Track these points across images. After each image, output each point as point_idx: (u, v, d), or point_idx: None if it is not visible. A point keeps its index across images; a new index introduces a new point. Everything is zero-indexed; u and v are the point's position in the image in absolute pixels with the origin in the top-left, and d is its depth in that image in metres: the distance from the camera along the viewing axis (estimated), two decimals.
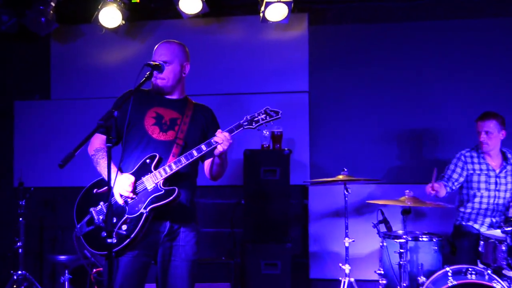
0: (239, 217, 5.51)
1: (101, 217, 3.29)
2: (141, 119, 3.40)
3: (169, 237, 3.38)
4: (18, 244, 5.41)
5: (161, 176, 3.27)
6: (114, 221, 3.24)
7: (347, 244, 4.76)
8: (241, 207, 5.31)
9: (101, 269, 4.99)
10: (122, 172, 3.36)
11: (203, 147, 3.28)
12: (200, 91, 5.84)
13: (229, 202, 5.90)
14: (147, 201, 3.24)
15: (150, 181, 3.27)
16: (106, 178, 3.26)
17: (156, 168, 3.29)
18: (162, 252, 3.39)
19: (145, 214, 3.22)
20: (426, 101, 5.77)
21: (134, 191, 3.25)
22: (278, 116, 3.34)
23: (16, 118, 6.32)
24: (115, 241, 3.15)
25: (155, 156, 3.32)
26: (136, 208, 3.25)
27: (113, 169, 3.15)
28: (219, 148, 3.25)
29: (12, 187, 6.19)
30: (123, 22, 5.78)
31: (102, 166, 3.37)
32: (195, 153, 3.27)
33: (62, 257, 5.48)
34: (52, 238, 6.22)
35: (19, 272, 5.39)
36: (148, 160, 3.32)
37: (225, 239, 5.86)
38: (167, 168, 3.27)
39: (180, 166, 3.27)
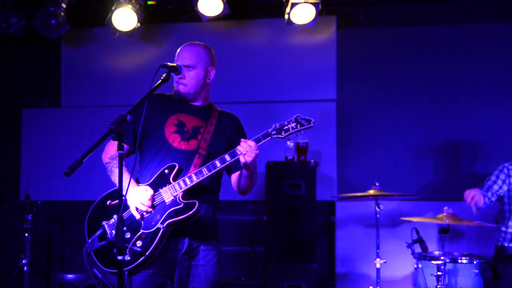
0: (261, 235, 5.47)
1: (114, 232, 3.20)
2: (162, 126, 3.33)
3: (188, 255, 3.28)
4: (24, 261, 5.35)
5: (180, 188, 3.18)
6: (128, 236, 3.16)
7: (378, 265, 4.67)
8: (263, 224, 5.26)
9: None
10: (138, 182, 3.29)
11: (227, 157, 3.18)
12: (218, 99, 5.86)
13: (250, 218, 5.87)
14: (165, 216, 3.15)
15: (168, 193, 3.19)
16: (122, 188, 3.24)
17: (175, 179, 3.21)
18: (180, 272, 3.28)
19: (162, 230, 3.13)
20: (464, 110, 5.66)
21: (152, 204, 3.17)
22: (310, 125, 3.25)
23: (23, 127, 6.32)
24: (129, 258, 3.06)
25: (175, 166, 3.24)
26: (153, 223, 3.16)
27: (126, 179, 3.08)
28: (242, 159, 3.15)
29: (18, 200, 6.17)
30: (139, 25, 5.75)
31: (116, 175, 3.28)
32: (218, 163, 3.18)
33: (71, 276, 5.45)
34: (60, 256, 6.19)
35: None
36: (167, 171, 3.24)
37: (246, 258, 5.81)
38: (187, 180, 3.18)
39: (201, 178, 3.18)
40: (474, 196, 4.51)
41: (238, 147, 3.16)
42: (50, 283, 6.14)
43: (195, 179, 3.17)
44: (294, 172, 5.21)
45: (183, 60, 3.35)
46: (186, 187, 3.17)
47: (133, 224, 3.18)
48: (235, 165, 3.35)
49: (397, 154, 5.72)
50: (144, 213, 3.17)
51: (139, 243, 3.13)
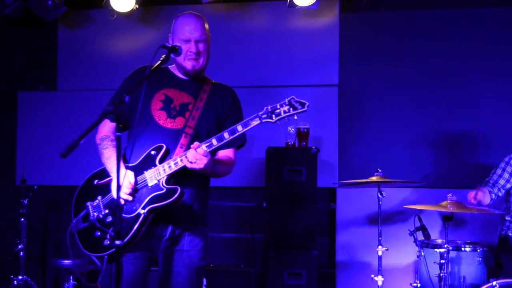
0: (260, 222, 5.45)
1: (95, 214, 3.14)
2: (148, 102, 3.21)
3: (172, 241, 3.20)
4: (19, 247, 5.32)
5: (165, 172, 3.08)
6: (109, 220, 3.10)
7: (380, 253, 4.60)
8: (263, 210, 5.22)
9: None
10: (126, 162, 3.19)
11: (214, 141, 3.06)
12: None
13: (249, 205, 5.82)
14: (146, 201, 3.06)
15: (152, 177, 3.09)
16: (109, 170, 3.18)
17: (161, 161, 3.11)
18: (164, 258, 3.21)
19: (142, 215, 3.04)
20: (469, 98, 5.59)
21: (135, 188, 3.06)
22: (304, 109, 3.06)
23: (19, 111, 6.27)
24: (108, 242, 3.04)
25: (162, 147, 3.13)
26: (134, 207, 3.07)
27: (114, 161, 3.02)
28: (189, 165, 3.03)
29: (14, 185, 6.13)
30: (137, 6, 5.69)
31: (105, 156, 3.21)
32: (203, 147, 3.05)
33: (67, 262, 5.42)
34: (56, 242, 6.15)
35: (20, 277, 5.30)
36: (153, 152, 3.13)
37: (244, 245, 5.77)
38: (172, 164, 3.07)
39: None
40: (476, 196, 4.46)
41: (187, 154, 3.03)
42: (46, 268, 6.11)
43: (180, 164, 3.05)
44: (294, 158, 5.17)
45: (195, 34, 3.23)
46: (170, 172, 3.07)
47: (114, 207, 3.08)
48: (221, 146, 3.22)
49: (399, 141, 5.66)
50: (125, 197, 3.06)
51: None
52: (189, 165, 3.03)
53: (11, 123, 6.26)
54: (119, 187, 2.66)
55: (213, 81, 3.41)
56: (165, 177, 3.08)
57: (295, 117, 3.11)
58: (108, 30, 6.11)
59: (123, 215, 3.02)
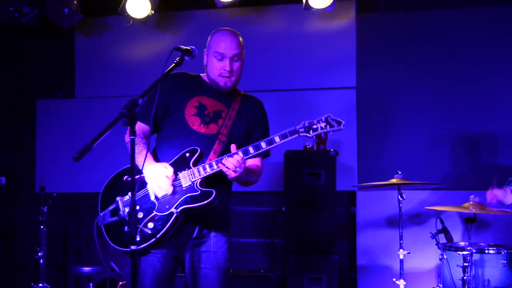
0: (280, 226, 5.42)
1: (127, 210, 3.14)
2: (182, 107, 3.26)
3: (199, 241, 3.23)
4: (39, 254, 5.31)
5: (200, 174, 3.11)
6: (140, 216, 3.11)
7: (401, 257, 4.54)
8: (282, 215, 5.20)
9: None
10: (157, 161, 3.22)
11: (251, 149, 3.11)
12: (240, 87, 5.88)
13: (268, 209, 5.79)
14: (180, 201, 3.09)
15: (186, 178, 3.13)
16: (140, 166, 3.14)
17: (195, 164, 3.14)
18: (191, 258, 3.24)
19: (175, 215, 3.07)
20: (488, 98, 5.49)
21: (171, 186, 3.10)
22: (340, 128, 3.17)
23: (38, 118, 6.28)
24: (139, 238, 3.03)
25: (196, 150, 3.17)
26: (167, 206, 3.10)
27: (148, 159, 3.08)
28: (228, 172, 3.08)
29: (33, 192, 6.14)
30: (152, 12, 5.68)
31: (139, 150, 3.20)
32: (240, 154, 3.09)
33: (87, 269, 5.42)
34: (76, 248, 6.14)
35: (40, 284, 5.29)
36: (188, 154, 3.17)
37: (264, 250, 5.74)
38: (207, 167, 3.11)
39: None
40: (495, 196, 4.35)
41: (225, 162, 3.06)
42: (66, 276, 6.10)
43: (216, 167, 3.09)
44: (313, 161, 5.12)
45: (229, 51, 3.25)
46: (205, 174, 3.11)
47: (147, 204, 3.13)
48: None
49: (419, 142, 5.58)
50: (161, 193, 3.11)
51: (150, 225, 3.07)
52: (225, 170, 3.08)
53: (30, 131, 6.27)
54: (134, 188, 2.62)
55: (242, 92, 3.47)
56: (200, 179, 3.11)
57: (330, 133, 3.18)
58: (125, 36, 6.11)
59: (156, 212, 3.09)
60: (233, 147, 3.13)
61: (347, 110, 5.66)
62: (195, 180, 3.11)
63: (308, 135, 3.13)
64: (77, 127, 6.11)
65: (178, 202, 3.09)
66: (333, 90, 5.72)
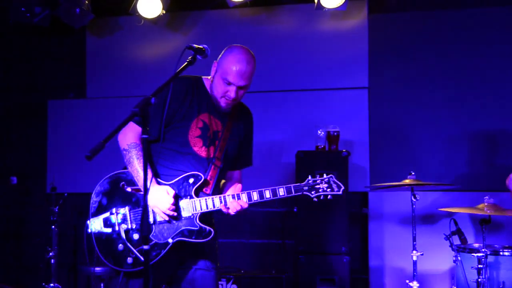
0: (291, 227, 5.35)
1: (124, 227, 3.09)
2: (187, 124, 3.16)
3: (183, 270, 3.23)
4: (51, 254, 5.29)
5: (201, 209, 3.08)
6: (136, 238, 3.07)
7: (415, 258, 4.49)
8: (293, 215, 5.12)
9: None
10: (158, 176, 3.14)
11: (255, 196, 3.10)
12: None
13: (280, 210, 5.75)
14: (178, 232, 3.07)
15: (187, 208, 3.09)
16: (139, 184, 3.10)
17: (197, 193, 3.10)
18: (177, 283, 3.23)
19: (170, 245, 3.07)
20: (504, 96, 5.45)
21: (174, 212, 3.06)
22: (339, 192, 3.18)
23: (49, 119, 6.29)
24: (131, 262, 3.03)
25: (200, 177, 3.11)
26: (165, 234, 3.08)
27: (149, 173, 2.97)
28: (224, 210, 3.09)
29: (44, 192, 6.14)
30: (164, 12, 5.67)
31: (135, 167, 3.12)
32: (245, 200, 3.09)
33: (98, 269, 5.35)
34: (88, 248, 6.10)
35: (52, 284, 5.27)
36: (191, 180, 3.11)
37: (275, 251, 5.72)
38: (210, 204, 3.08)
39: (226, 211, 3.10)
40: None
41: (230, 205, 3.05)
42: (78, 276, 6.08)
43: (218, 206, 3.07)
44: (325, 161, 5.08)
45: (240, 81, 3.14)
46: (206, 211, 3.08)
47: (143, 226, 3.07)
48: (241, 163, 3.37)
49: (432, 142, 5.55)
50: (161, 219, 3.07)
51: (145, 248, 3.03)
52: (224, 210, 3.08)
53: (41, 131, 6.28)
54: (146, 190, 2.58)
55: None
56: (200, 214, 3.08)
57: (329, 197, 3.19)
58: (136, 36, 6.10)
59: (152, 237, 3.05)
60: (238, 188, 3.12)
61: (359, 110, 5.65)
62: (195, 214, 3.07)
63: (310, 195, 3.15)
64: (88, 127, 6.11)
65: (175, 233, 3.06)
66: (345, 90, 5.70)
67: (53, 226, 5.31)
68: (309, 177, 3.14)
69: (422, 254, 4.50)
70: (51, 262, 5.29)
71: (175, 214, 3.04)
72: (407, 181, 4.52)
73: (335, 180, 3.19)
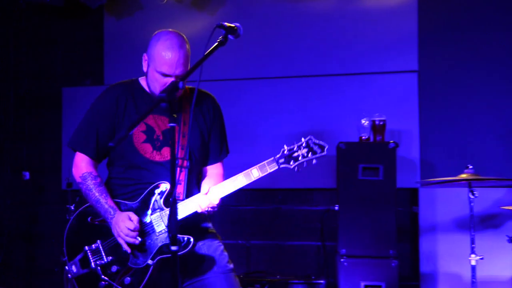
0: (332, 227, 5.35)
1: (97, 261, 3.08)
2: (130, 134, 3.09)
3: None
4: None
5: None
6: (115, 270, 3.05)
7: (473, 263, 4.45)
8: (334, 214, 5.12)
9: None
10: (115, 197, 3.14)
11: (230, 187, 3.05)
12: (280, 73, 5.82)
13: (319, 208, 5.72)
14: (156, 251, 3.03)
15: (159, 223, 3.05)
16: (101, 215, 3.09)
17: (167, 203, 3.05)
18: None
19: (152, 267, 3.03)
20: None
21: (138, 236, 3.02)
22: (323, 153, 3.07)
23: (64, 108, 6.33)
24: None
25: (165, 186, 3.07)
26: (142, 258, 3.04)
27: (109, 201, 3.06)
28: (199, 211, 3.06)
29: (59, 189, 6.17)
30: None
31: (93, 197, 3.11)
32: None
33: None
34: None
35: None
36: (156, 191, 3.08)
37: (314, 254, 5.70)
38: (180, 209, 3.00)
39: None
40: None
41: (201, 202, 3.02)
42: None
43: (192, 209, 3.04)
44: (370, 154, 5.05)
45: (176, 69, 3.07)
46: (182, 217, 3.00)
47: (120, 256, 3.06)
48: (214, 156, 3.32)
49: (492, 133, 5.46)
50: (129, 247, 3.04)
51: (127, 280, 3.03)
52: (200, 211, 3.05)
53: (56, 121, 6.31)
54: (174, 184, 2.55)
55: (188, 90, 3.27)
56: None
57: (314, 162, 3.08)
58: (158, 16, 6.08)
59: (130, 265, 3.04)
60: (204, 188, 3.08)
61: (408, 97, 5.59)
62: None
63: (288, 166, 3.04)
64: None
65: (154, 253, 3.03)
66: (391, 74, 5.65)
67: None
68: (284, 147, 3.06)
69: (481, 259, 4.45)
70: None
71: (137, 241, 3.00)
72: (463, 176, 4.47)
73: (315, 140, 3.07)
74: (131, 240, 2.99)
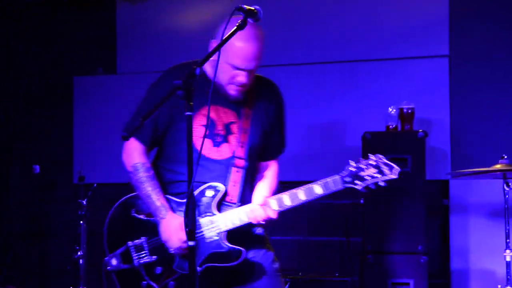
0: (357, 222, 5.38)
1: (141, 260, 3.06)
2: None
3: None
4: (79, 253, 5.41)
5: (226, 227, 2.97)
6: (159, 272, 3.03)
7: (508, 259, 4.43)
8: (360, 208, 5.16)
9: None
10: (166, 192, 3.08)
11: (286, 200, 2.97)
12: (302, 59, 5.85)
13: (343, 202, 5.70)
14: (204, 258, 2.98)
15: (210, 228, 2.98)
16: (152, 212, 3.04)
17: (219, 207, 3.00)
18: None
19: (199, 274, 2.96)
20: None
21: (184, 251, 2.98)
22: (392, 175, 2.91)
23: (75, 98, 6.40)
24: None
25: (220, 188, 3.00)
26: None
27: (164, 205, 2.98)
28: (254, 222, 2.99)
29: (71, 183, 6.25)
30: None
31: (144, 191, 3.06)
32: (275, 204, 2.98)
33: None
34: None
35: None
36: (210, 192, 3.00)
37: (338, 250, 5.72)
38: (235, 217, 2.97)
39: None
40: None
41: (257, 217, 2.95)
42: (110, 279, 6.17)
43: (245, 220, 2.97)
44: (397, 144, 5.06)
45: (250, 64, 2.96)
46: (233, 227, 2.97)
47: (165, 257, 3.02)
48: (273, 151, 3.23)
49: None
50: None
51: (171, 285, 3.00)
52: (254, 222, 2.98)
53: (67, 112, 6.39)
54: (191, 179, 2.54)
55: (255, 82, 3.17)
56: (226, 232, 2.98)
57: (381, 184, 2.93)
58: (173, 2, 6.15)
59: (176, 268, 3.00)
60: (261, 198, 3.00)
61: (438, 83, 5.60)
62: (220, 233, 2.97)
63: (356, 187, 2.94)
64: (120, 107, 6.11)
65: (202, 259, 2.97)
66: (421, 59, 5.67)
67: (81, 222, 5.40)
68: (349, 163, 2.94)
69: None
70: (79, 263, 5.40)
71: (185, 252, 2.94)
72: (498, 167, 4.45)
73: (384, 160, 2.93)
74: (179, 250, 2.95)
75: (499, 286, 4.44)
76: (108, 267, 3.14)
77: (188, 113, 2.55)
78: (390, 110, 5.20)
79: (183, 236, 2.89)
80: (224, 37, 2.85)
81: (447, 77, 5.59)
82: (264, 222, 2.98)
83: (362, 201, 5.06)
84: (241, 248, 2.95)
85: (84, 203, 5.42)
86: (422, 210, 4.95)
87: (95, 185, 5.47)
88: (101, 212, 6.03)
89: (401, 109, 5.19)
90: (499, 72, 5.55)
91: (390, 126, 5.22)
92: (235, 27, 2.89)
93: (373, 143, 5.04)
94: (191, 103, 2.55)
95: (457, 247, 5.48)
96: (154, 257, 3.06)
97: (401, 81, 5.62)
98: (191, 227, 2.55)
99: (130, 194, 3.19)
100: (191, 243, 2.55)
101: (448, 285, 5.50)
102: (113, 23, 6.35)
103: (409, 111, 5.17)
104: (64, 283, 5.92)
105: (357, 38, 5.80)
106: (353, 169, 2.93)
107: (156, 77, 6.00)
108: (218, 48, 2.82)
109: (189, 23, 6.17)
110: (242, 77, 2.97)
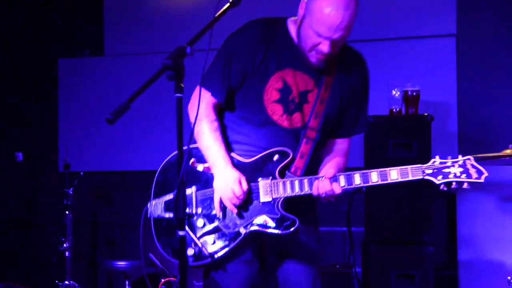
0: (359, 211, 5.36)
1: (187, 211, 2.99)
2: (262, 86, 3.01)
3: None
4: (65, 245, 5.42)
5: (285, 192, 2.95)
6: (200, 225, 3.04)
7: None
8: (362, 197, 5.14)
9: (172, 279, 4.87)
10: (231, 150, 3.08)
11: (357, 179, 2.94)
12: None
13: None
14: (252, 220, 2.98)
15: (267, 191, 2.97)
16: (209, 162, 3.06)
17: (282, 173, 2.99)
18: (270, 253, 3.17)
19: (242, 236, 2.98)
20: None
21: (242, 201, 2.97)
22: (479, 179, 2.94)
23: (60, 81, 6.41)
24: (193, 252, 2.99)
25: (287, 155, 2.98)
26: (237, 222, 3.00)
27: (225, 157, 2.98)
28: (315, 195, 2.95)
29: (56, 171, 6.26)
30: None
31: (204, 143, 3.06)
32: (343, 181, 2.93)
33: (122, 263, 5.49)
34: (108, 239, 6.23)
35: (67, 282, 5.41)
36: (276, 157, 2.99)
37: (340, 241, 5.79)
38: (296, 186, 2.94)
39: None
40: None
41: (321, 189, 2.89)
42: (97, 271, 6.19)
43: (307, 190, 2.93)
44: (401, 128, 5.06)
45: (336, 34, 2.87)
46: (292, 195, 2.95)
47: (211, 211, 3.04)
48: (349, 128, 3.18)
49: None
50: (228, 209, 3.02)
51: (210, 239, 3.01)
52: (315, 194, 2.95)
53: (51, 96, 6.40)
54: (181, 167, 2.52)
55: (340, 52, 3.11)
56: (282, 199, 2.97)
57: (465, 186, 2.94)
58: None
59: (220, 226, 3.02)
60: (329, 171, 2.94)
61: (445, 64, 5.62)
62: (277, 198, 2.96)
63: (435, 181, 2.94)
64: (107, 91, 6.19)
65: (249, 221, 2.98)
66: (426, 39, 5.68)
67: (67, 212, 5.40)
68: (436, 158, 2.96)
69: None
70: (65, 255, 5.41)
71: (235, 210, 2.97)
72: (508, 152, 4.39)
73: (473, 162, 2.95)
74: (230, 206, 2.96)
75: (509, 277, 4.44)
76: (148, 214, 3.16)
77: (178, 94, 2.52)
78: (394, 92, 5.18)
79: (238, 191, 2.93)
80: (216, 15, 2.81)
81: (454, 58, 5.60)
82: (325, 196, 2.93)
83: (364, 189, 4.99)
84: (295, 218, 2.93)
85: (70, 192, 5.41)
86: (427, 198, 4.95)
87: (81, 173, 5.47)
88: (88, 201, 6.13)
89: (406, 91, 5.17)
90: (509, 51, 5.56)
91: (394, 110, 5.21)
92: (227, 4, 2.84)
93: (375, 127, 5.00)
94: (182, 84, 2.54)
95: (465, 237, 5.44)
96: (199, 209, 3.07)
97: (405, 62, 5.63)
98: (182, 215, 2.56)
99: (194, 145, 3.17)
100: (181, 233, 2.55)
101: (456, 277, 5.46)
102: (100, 2, 6.34)
103: (414, 93, 5.15)
104: (49, 276, 5.94)
105: (360, 17, 5.74)
106: (437, 163, 2.96)
107: (146, 59, 6.09)
108: (208, 27, 2.78)
109: (179, 3, 6.17)
110: (325, 46, 2.90)
